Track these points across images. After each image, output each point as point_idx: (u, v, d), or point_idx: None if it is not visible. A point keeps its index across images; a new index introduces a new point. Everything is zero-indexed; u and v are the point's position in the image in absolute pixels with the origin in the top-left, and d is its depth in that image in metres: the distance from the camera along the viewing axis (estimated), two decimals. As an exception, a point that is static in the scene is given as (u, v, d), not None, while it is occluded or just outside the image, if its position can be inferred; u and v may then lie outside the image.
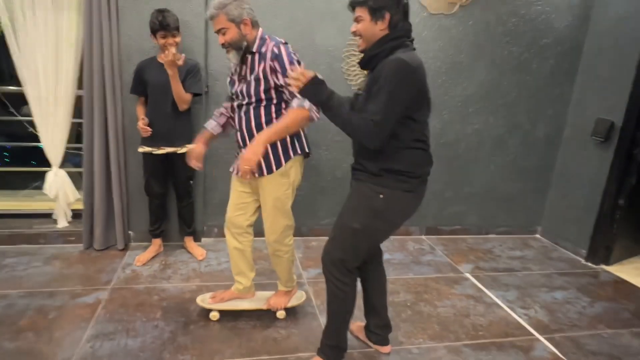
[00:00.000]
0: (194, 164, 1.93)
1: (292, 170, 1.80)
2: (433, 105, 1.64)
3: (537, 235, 3.41)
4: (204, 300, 2.05)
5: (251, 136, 1.74)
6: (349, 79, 2.80)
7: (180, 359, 1.72)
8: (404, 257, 2.86)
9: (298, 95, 1.57)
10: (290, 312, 2.09)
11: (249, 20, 1.65)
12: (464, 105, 3.02)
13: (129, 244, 2.72)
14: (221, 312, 2.02)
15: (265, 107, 1.71)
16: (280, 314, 2.06)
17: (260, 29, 1.73)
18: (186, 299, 2.15)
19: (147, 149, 2.37)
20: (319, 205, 3.03)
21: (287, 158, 1.75)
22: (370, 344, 1.87)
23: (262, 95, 1.69)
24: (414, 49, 1.51)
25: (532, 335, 2.08)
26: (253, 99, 1.70)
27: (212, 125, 1.95)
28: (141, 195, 2.65)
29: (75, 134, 2.90)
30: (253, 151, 1.57)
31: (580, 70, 3.08)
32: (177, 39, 2.26)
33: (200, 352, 1.77)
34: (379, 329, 1.84)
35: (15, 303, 1.99)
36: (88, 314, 1.95)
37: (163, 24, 2.18)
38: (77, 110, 2.59)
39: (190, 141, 2.30)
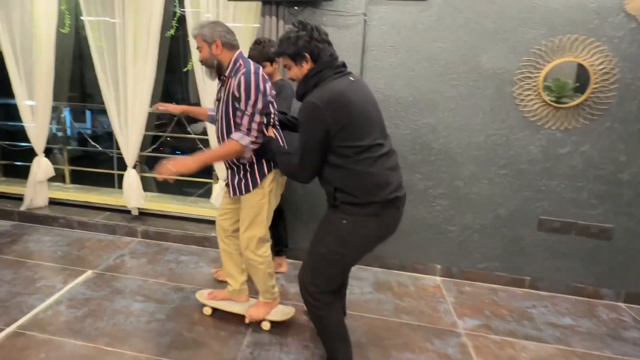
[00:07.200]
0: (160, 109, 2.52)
1: (266, 181, 2.19)
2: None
3: None
4: (202, 294, 2.59)
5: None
6: (522, 104, 2.87)
7: (326, 385, 2.01)
8: (595, 326, 2.68)
9: (242, 127, 2.04)
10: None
11: (220, 42, 2.10)
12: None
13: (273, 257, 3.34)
14: (216, 310, 2.52)
15: (235, 123, 2.12)
16: (265, 325, 2.42)
17: (238, 52, 2.15)
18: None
19: None
20: (474, 246, 3.14)
21: (263, 176, 2.19)
22: None
23: (231, 116, 2.11)
24: (341, 75, 1.78)
25: None
26: (227, 117, 2.14)
27: (212, 112, 2.49)
28: (290, 212, 3.24)
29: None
30: (184, 164, 2.01)
31: None
32: (268, 69, 2.67)
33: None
34: None
35: (189, 297, 2.69)
36: (241, 320, 2.45)
37: None
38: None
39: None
